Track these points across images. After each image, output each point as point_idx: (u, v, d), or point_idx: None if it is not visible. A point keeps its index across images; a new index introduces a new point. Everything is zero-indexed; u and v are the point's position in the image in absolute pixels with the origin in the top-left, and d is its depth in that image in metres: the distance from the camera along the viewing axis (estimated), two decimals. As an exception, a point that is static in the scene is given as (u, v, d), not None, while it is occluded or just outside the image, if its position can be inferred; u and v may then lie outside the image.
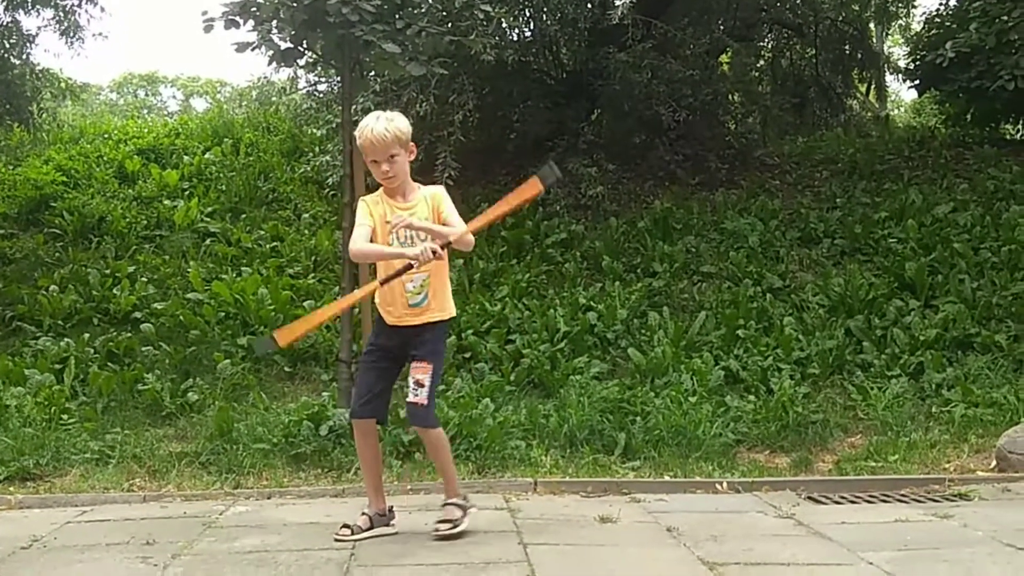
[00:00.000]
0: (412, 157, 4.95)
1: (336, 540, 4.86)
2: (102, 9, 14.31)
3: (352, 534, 4.89)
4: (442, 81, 10.42)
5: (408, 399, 4.91)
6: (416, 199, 4.92)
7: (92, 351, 8.88)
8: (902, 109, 24.95)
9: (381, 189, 4.97)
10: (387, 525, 5.07)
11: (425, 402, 4.85)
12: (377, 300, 5.03)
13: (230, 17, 7.47)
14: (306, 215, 11.79)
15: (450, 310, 5.01)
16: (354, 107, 9.72)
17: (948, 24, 14.31)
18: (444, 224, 4.84)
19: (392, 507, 5.16)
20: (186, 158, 13.51)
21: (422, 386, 4.84)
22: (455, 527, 4.92)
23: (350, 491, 6.31)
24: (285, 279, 10.06)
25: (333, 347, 8.60)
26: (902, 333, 8.94)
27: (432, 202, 4.91)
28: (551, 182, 5.03)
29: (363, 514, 5.04)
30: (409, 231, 4.78)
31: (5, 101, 13.47)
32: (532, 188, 4.85)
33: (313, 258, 10.68)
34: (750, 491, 6.36)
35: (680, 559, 4.63)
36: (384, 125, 4.80)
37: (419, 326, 4.90)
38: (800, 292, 9.91)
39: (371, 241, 4.84)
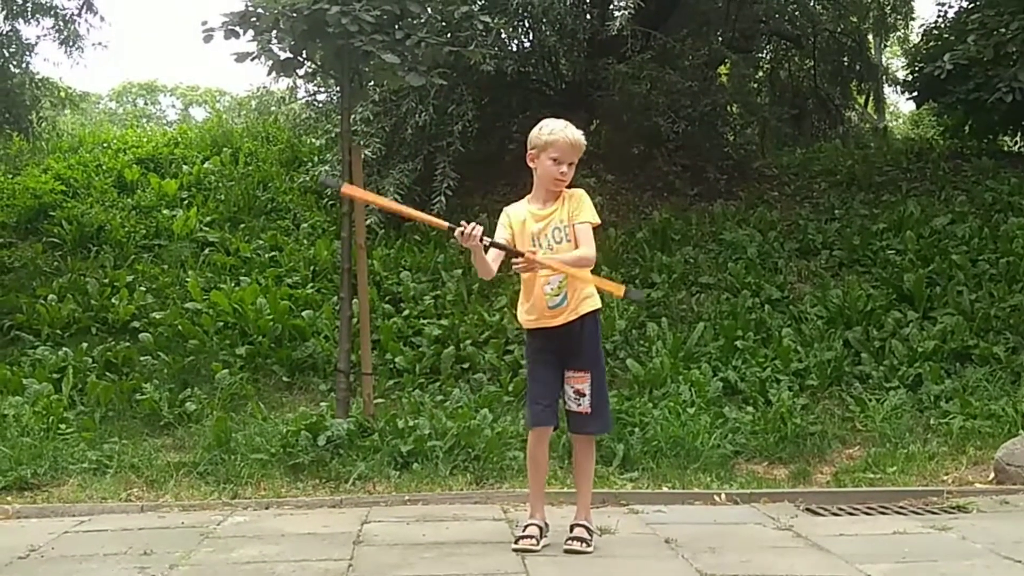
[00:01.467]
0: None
1: (520, 551, 4.83)
2: (102, 19, 14.43)
3: (536, 543, 4.88)
4: (441, 92, 10.44)
5: (571, 408, 4.95)
6: (555, 206, 4.96)
7: (90, 360, 8.86)
8: (900, 121, 25.00)
9: (528, 196, 5.06)
10: (546, 536, 5.04)
11: (589, 411, 4.92)
12: (518, 310, 5.11)
13: (230, 27, 7.49)
14: (305, 225, 11.78)
15: (589, 304, 4.97)
16: (353, 117, 9.75)
17: (946, 36, 14.35)
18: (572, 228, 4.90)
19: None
20: (185, 167, 13.50)
21: (583, 395, 4.91)
22: (587, 544, 4.91)
23: (348, 501, 6.30)
24: (284, 289, 10.04)
25: (331, 357, 8.60)
26: (900, 345, 8.95)
27: (570, 204, 4.96)
28: (634, 298, 5.34)
29: (533, 524, 4.99)
30: (551, 239, 4.90)
31: (4, 110, 13.45)
32: (615, 288, 5.05)
33: (312, 268, 10.66)
34: (748, 503, 6.35)
35: (678, 571, 4.62)
36: (581, 135, 5.02)
37: (565, 326, 4.92)
38: (798, 303, 9.91)
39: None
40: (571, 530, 4.99)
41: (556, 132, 4.93)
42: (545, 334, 4.98)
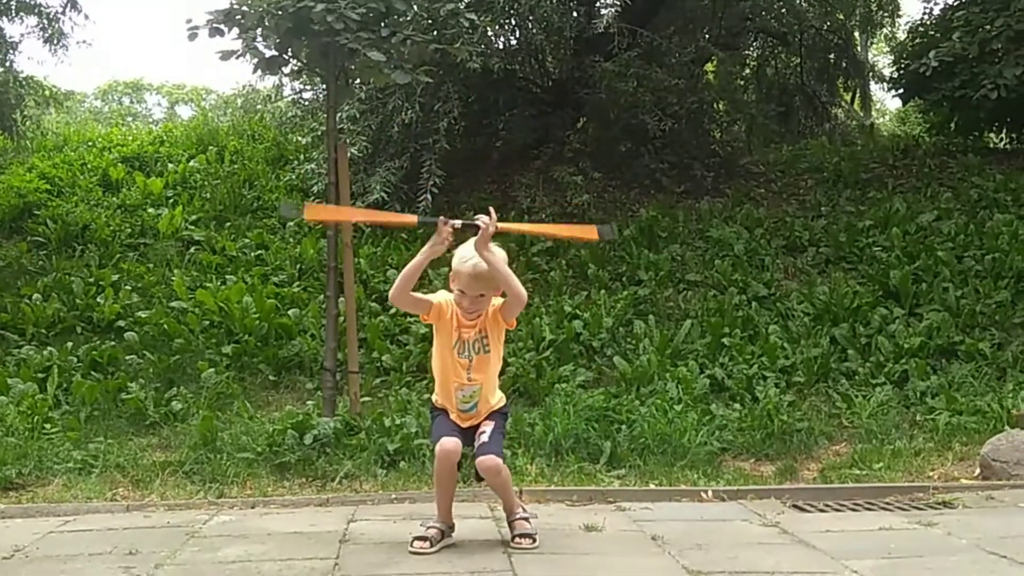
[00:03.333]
0: (498, 294, 4.89)
1: (414, 553, 4.79)
2: (86, 17, 14.39)
3: (431, 547, 4.84)
4: (427, 89, 10.42)
5: (475, 445, 4.89)
6: (480, 315, 4.88)
7: (75, 360, 8.82)
8: (887, 118, 25.06)
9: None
10: (450, 537, 5.01)
11: (488, 440, 4.85)
12: (435, 392, 5.07)
13: (215, 25, 7.47)
14: (291, 223, 11.75)
15: (497, 403, 5.01)
16: (339, 115, 9.73)
17: (932, 33, 14.39)
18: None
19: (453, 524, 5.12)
20: (171, 166, 13.46)
21: (483, 432, 4.88)
22: (534, 542, 4.92)
23: (334, 500, 6.30)
24: (270, 287, 10.02)
25: (318, 356, 8.58)
26: (886, 341, 8.97)
27: (490, 312, 4.88)
28: (607, 238, 5.19)
29: (433, 527, 4.95)
30: (476, 343, 4.85)
31: (-11, 109, 13.45)
32: (587, 233, 5.09)
33: (298, 266, 10.64)
34: (735, 499, 6.36)
35: (665, 567, 4.62)
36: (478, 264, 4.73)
37: (471, 426, 4.94)
38: (785, 300, 9.92)
39: (436, 347, 4.91)
40: (512, 527, 5.02)
41: (461, 263, 4.79)
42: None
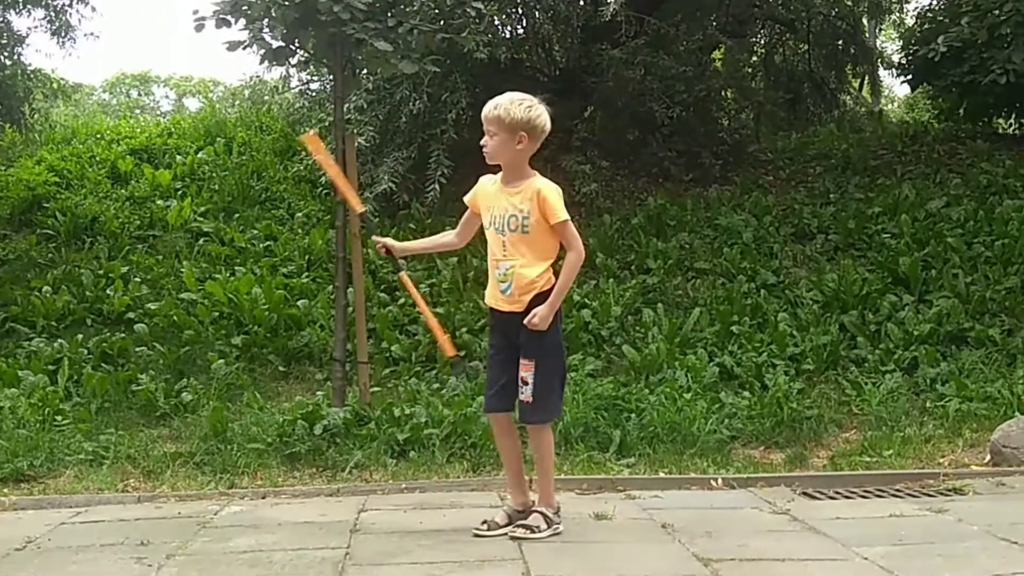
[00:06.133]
0: (521, 146, 5.03)
1: (476, 536, 4.85)
2: (93, 9, 14.31)
3: (488, 529, 4.88)
4: (435, 79, 10.41)
5: (519, 397, 4.95)
6: (521, 188, 4.99)
7: (86, 352, 8.85)
8: (895, 104, 24.96)
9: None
10: (515, 521, 4.99)
11: (531, 399, 4.89)
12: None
13: (221, 16, 7.47)
14: (299, 214, 11.76)
15: (532, 286, 4.90)
16: (347, 106, 9.73)
17: (940, 19, 14.32)
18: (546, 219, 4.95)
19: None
20: (179, 158, 13.45)
21: (527, 383, 4.89)
22: (533, 533, 4.88)
23: (345, 490, 6.31)
24: (279, 278, 10.03)
25: (327, 346, 8.59)
26: (896, 328, 8.95)
27: (537, 198, 4.93)
28: (455, 372, 6.03)
29: (500, 510, 5.01)
30: (512, 219, 4.95)
31: (-3, 102, 13.44)
32: (444, 347, 5.58)
33: (307, 257, 10.64)
34: (745, 487, 6.36)
35: (675, 555, 4.63)
36: (494, 104, 5.15)
37: (509, 314, 4.94)
38: (794, 288, 9.90)
39: (469, 222, 5.28)
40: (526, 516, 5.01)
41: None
42: (496, 315, 5.07)
